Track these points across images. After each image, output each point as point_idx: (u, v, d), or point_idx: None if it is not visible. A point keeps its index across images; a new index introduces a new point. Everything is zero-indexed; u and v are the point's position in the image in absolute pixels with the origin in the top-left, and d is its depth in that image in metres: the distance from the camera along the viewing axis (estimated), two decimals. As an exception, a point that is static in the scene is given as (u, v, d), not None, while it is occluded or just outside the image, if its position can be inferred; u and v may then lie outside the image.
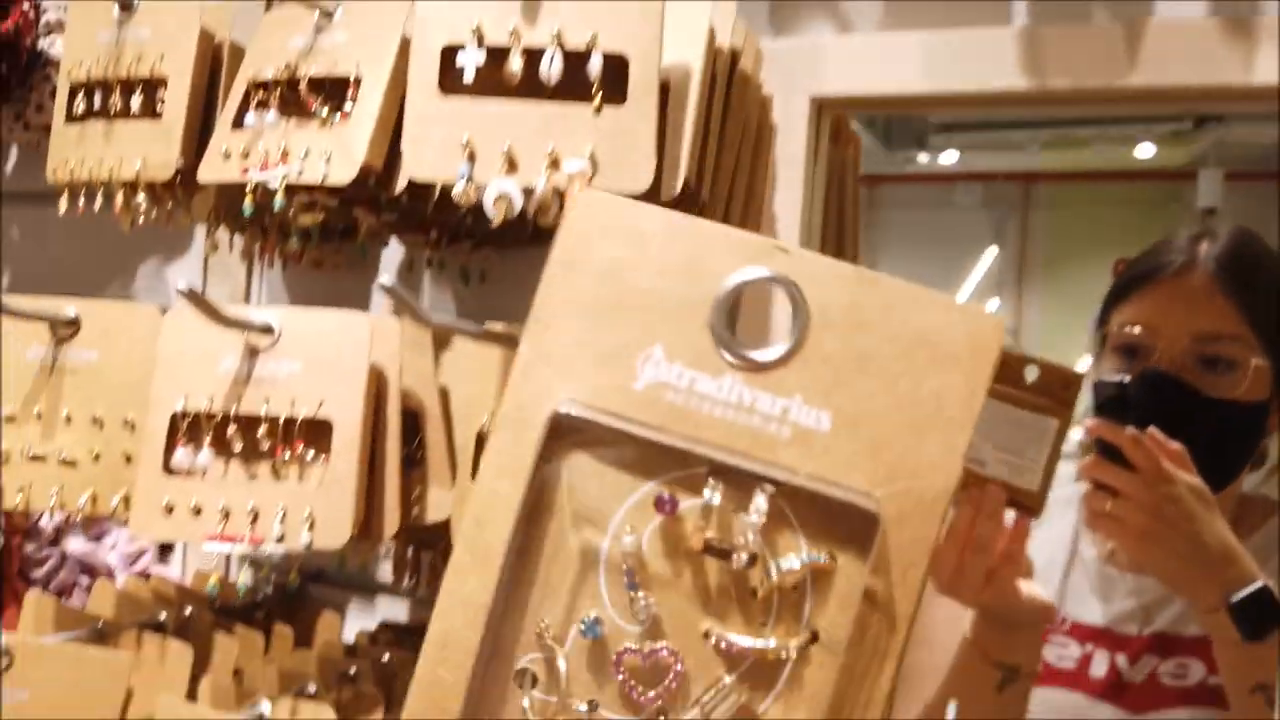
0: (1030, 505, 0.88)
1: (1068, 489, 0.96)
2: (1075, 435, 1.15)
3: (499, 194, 0.52)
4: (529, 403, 0.27)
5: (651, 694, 0.27)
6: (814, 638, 0.26)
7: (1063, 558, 1.01)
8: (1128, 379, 0.85)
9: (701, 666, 0.27)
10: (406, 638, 0.85)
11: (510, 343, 0.63)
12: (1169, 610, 0.93)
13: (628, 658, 0.27)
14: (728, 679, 0.27)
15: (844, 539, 0.27)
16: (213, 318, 0.58)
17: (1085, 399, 0.95)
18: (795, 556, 0.26)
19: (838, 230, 0.79)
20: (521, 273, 0.84)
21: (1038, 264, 3.02)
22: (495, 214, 0.53)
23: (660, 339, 0.27)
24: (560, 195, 0.52)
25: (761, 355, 0.27)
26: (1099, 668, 0.95)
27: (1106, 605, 0.98)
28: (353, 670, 0.77)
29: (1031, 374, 0.91)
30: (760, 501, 0.26)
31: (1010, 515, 0.87)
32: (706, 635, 0.27)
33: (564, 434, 0.27)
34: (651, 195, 0.53)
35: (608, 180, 0.52)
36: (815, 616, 0.26)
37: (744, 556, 0.26)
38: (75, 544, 0.91)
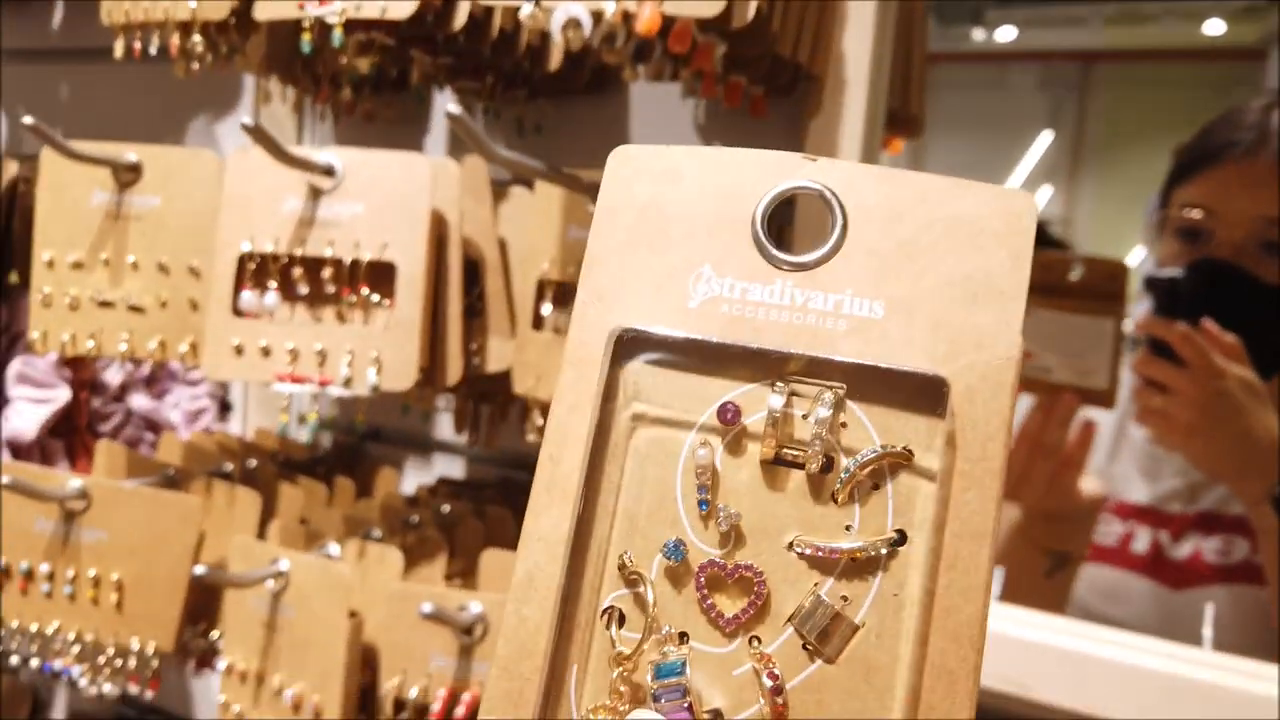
0: (1102, 401, 0.88)
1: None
2: (1127, 326, 1.15)
3: (568, 18, 0.50)
4: (589, 339, 0.27)
5: (735, 613, 0.26)
6: (902, 537, 0.25)
7: (1108, 438, 1.01)
8: (1181, 274, 0.83)
9: (788, 583, 0.26)
10: (465, 491, 0.87)
11: (575, 185, 0.63)
12: (1216, 489, 0.93)
13: (710, 571, 0.26)
14: (821, 593, 0.26)
15: (917, 428, 0.26)
16: (276, 155, 0.58)
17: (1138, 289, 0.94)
18: (869, 449, 0.26)
19: (904, 78, 0.76)
20: (576, 124, 0.83)
21: (1094, 150, 2.92)
22: (562, 43, 0.51)
23: (708, 259, 0.28)
24: (629, 19, 0.50)
25: (807, 257, 0.27)
26: (1140, 544, 0.96)
27: (1153, 484, 0.98)
28: (415, 519, 0.79)
29: (1076, 272, 0.90)
30: (827, 398, 0.26)
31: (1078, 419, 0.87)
32: (790, 546, 0.26)
33: (627, 365, 0.27)
34: (723, 20, 0.51)
35: (678, 3, 0.50)
36: (900, 512, 0.26)
37: (818, 459, 0.26)
38: (139, 401, 0.93)
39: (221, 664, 0.67)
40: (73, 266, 0.70)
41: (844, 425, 0.26)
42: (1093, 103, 2.87)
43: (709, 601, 0.26)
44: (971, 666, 0.25)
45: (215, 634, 0.72)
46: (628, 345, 0.28)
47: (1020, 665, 0.74)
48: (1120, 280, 0.89)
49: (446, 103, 0.84)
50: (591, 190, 0.63)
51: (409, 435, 0.96)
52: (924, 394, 0.26)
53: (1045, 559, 0.93)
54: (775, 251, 0.28)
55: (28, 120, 0.65)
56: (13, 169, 0.80)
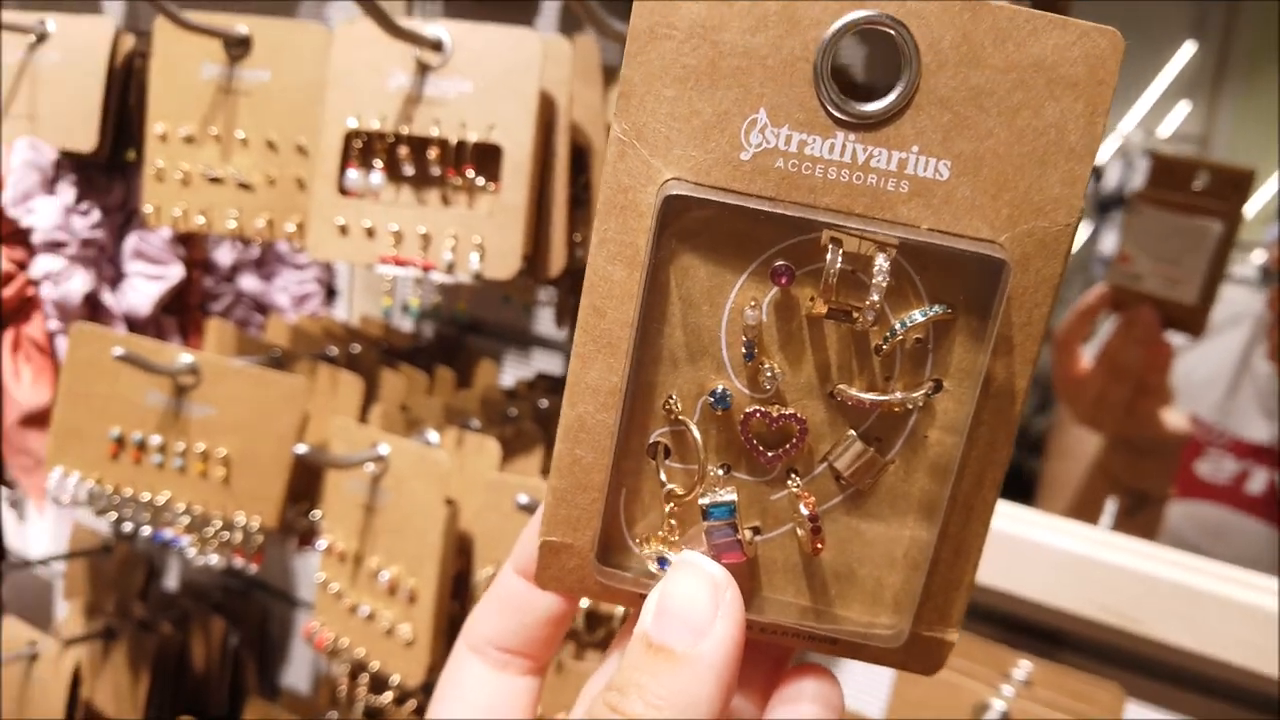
0: (1189, 324, 0.82)
1: (1240, 304, 0.90)
2: (1259, 259, 1.08)
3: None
4: (631, 184, 0.26)
5: (776, 453, 0.27)
6: (938, 386, 0.26)
7: (1229, 372, 0.96)
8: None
9: (826, 427, 0.27)
10: (563, 386, 0.87)
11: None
12: (1342, 430, 0.87)
13: (755, 420, 0.27)
14: (852, 432, 0.27)
15: (968, 288, 0.25)
16: (384, 26, 0.56)
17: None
18: (919, 311, 0.26)
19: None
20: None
21: (1240, 64, 2.71)
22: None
23: (764, 102, 0.25)
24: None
25: (872, 107, 0.25)
26: (1256, 484, 0.91)
27: (1274, 422, 0.93)
28: (513, 411, 0.79)
29: (1200, 180, 0.83)
30: (881, 261, 0.25)
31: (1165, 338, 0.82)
32: (832, 395, 0.26)
33: (670, 215, 0.26)
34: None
35: None
36: (939, 365, 0.26)
37: (868, 316, 0.25)
38: (248, 282, 0.95)
39: (321, 543, 0.68)
40: (184, 140, 0.70)
41: (895, 285, 0.26)
42: (1244, 11, 2.65)
43: (753, 442, 0.27)
44: (988, 504, 0.27)
45: (316, 514, 0.74)
46: (675, 198, 0.26)
47: (1132, 598, 0.71)
48: (1243, 186, 0.82)
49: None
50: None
51: (508, 329, 0.95)
52: (979, 254, 0.25)
53: (1125, 498, 0.89)
54: (840, 98, 0.25)
55: (141, -11, 0.65)
56: (129, 43, 0.80)
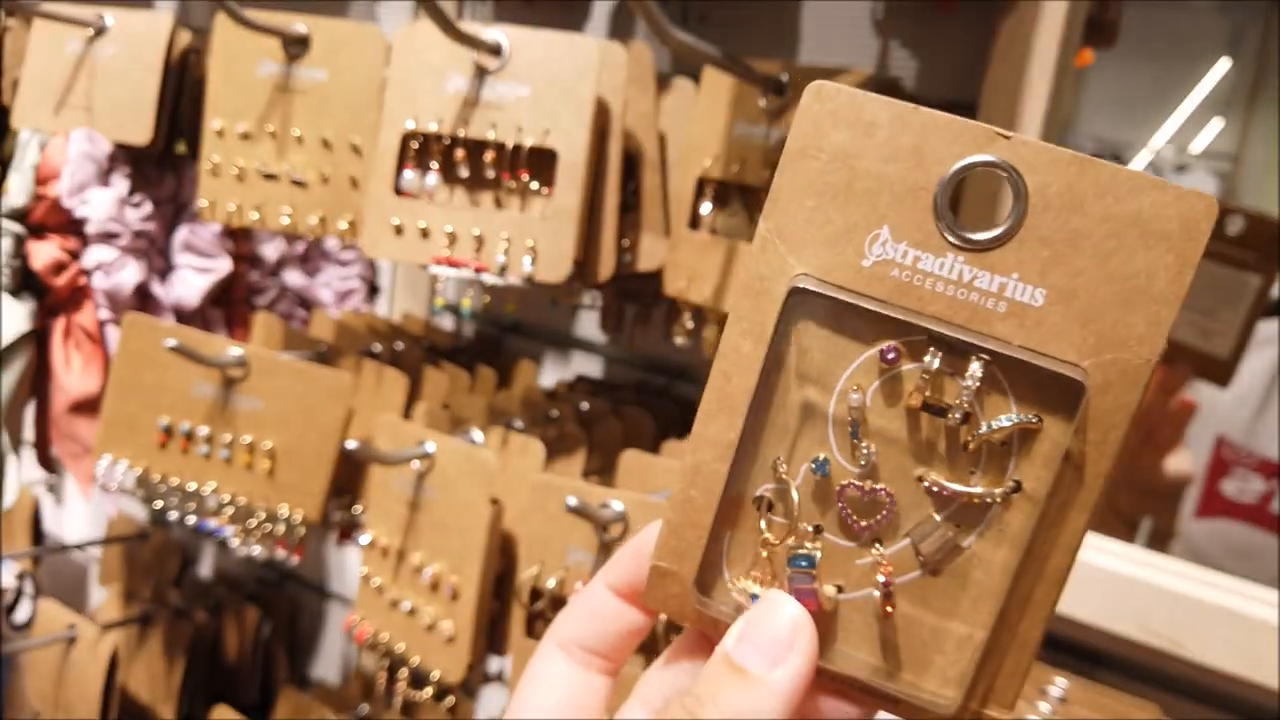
0: (1218, 375, 0.81)
1: (1274, 325, 0.90)
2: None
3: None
4: (767, 274, 0.30)
5: (866, 523, 0.30)
6: (1017, 487, 0.29)
7: (1258, 392, 0.95)
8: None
9: (913, 507, 0.30)
10: (603, 390, 0.87)
11: (750, 75, 0.59)
12: (1377, 452, 0.87)
13: (849, 491, 0.30)
14: (937, 517, 0.30)
15: (1052, 404, 0.28)
16: (445, 29, 0.56)
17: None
18: (1005, 417, 0.29)
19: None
20: (741, 16, 0.79)
21: (1275, 81, 2.68)
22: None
23: (888, 220, 0.29)
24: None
25: (982, 236, 0.28)
26: (1281, 504, 0.91)
27: (1302, 442, 0.93)
28: (554, 413, 0.79)
29: (1235, 224, 0.82)
30: (975, 368, 0.28)
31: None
32: (920, 480, 0.30)
33: (796, 304, 0.30)
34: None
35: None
36: (1019, 470, 0.29)
37: (958, 414, 0.29)
38: (293, 277, 0.95)
39: (365, 537, 0.69)
40: (241, 137, 0.71)
41: (986, 390, 0.29)
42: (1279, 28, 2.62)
43: (846, 511, 0.30)
44: (1051, 600, 0.29)
45: (357, 508, 0.74)
46: (801, 290, 0.30)
47: (1173, 619, 0.71)
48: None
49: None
50: (766, 83, 0.59)
51: (548, 330, 0.96)
52: (1062, 374, 0.28)
53: (1128, 530, 0.90)
54: (953, 225, 0.29)
55: (203, -13, 0.66)
56: (185, 39, 0.81)
